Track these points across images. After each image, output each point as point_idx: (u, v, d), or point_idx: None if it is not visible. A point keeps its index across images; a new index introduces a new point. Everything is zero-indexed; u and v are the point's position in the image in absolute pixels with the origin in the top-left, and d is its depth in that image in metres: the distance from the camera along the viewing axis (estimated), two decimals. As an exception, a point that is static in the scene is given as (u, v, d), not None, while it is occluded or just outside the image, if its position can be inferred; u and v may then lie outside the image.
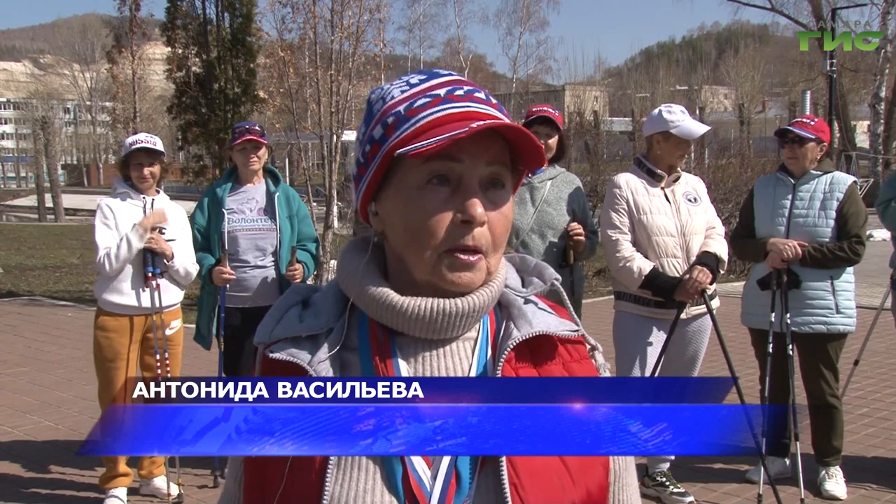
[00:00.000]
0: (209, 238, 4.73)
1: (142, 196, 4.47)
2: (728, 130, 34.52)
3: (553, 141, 4.35)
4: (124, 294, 4.38)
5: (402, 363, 1.05)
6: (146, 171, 4.43)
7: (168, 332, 4.53)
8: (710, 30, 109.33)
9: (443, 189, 1.02)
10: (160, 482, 4.62)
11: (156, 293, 4.41)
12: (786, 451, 4.76)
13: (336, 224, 12.41)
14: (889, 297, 5.01)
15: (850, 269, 4.52)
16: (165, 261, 4.44)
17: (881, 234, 6.23)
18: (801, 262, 4.39)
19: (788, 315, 4.43)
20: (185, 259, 4.53)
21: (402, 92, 1.06)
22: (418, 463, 1.01)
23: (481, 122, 0.98)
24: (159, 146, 4.49)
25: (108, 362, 4.39)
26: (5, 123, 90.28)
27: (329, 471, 1.01)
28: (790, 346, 4.49)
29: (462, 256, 1.02)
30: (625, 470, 1.14)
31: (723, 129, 32.16)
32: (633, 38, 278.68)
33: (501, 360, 1.04)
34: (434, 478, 1.00)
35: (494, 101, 1.07)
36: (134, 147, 4.41)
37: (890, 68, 26.40)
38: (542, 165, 1.03)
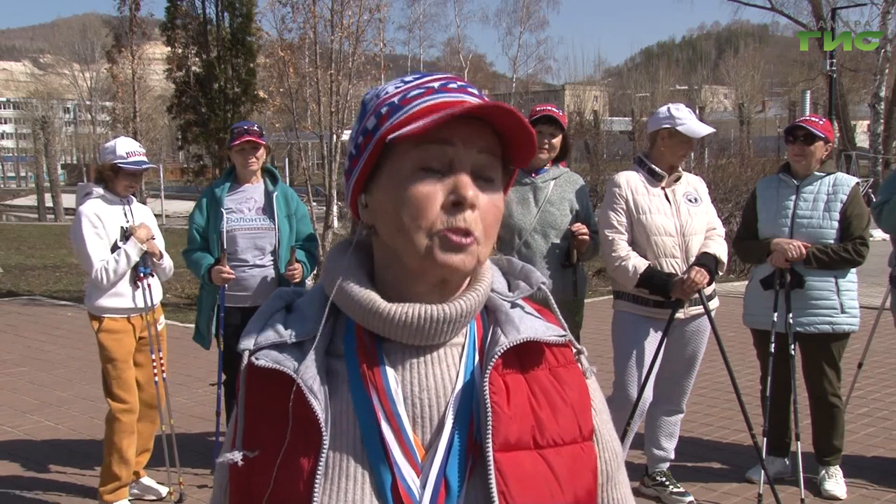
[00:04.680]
0: (208, 238, 4.73)
1: (119, 199, 4.44)
2: (728, 130, 34.51)
3: (557, 140, 4.35)
4: (123, 296, 4.38)
5: (389, 370, 1.04)
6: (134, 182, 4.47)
7: (158, 326, 4.57)
8: (710, 30, 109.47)
9: (434, 173, 1.01)
10: (147, 481, 4.64)
11: (147, 292, 4.43)
12: (786, 450, 4.76)
13: (336, 224, 12.40)
14: (889, 296, 5.01)
15: (853, 269, 4.52)
16: (154, 260, 4.45)
17: (880, 233, 6.20)
18: (806, 263, 4.39)
19: (791, 315, 4.43)
20: (166, 256, 4.60)
21: (396, 87, 1.06)
22: (407, 471, 1.00)
23: (476, 102, 0.99)
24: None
25: (120, 362, 4.37)
26: (5, 123, 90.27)
27: (317, 480, 0.99)
28: (792, 346, 4.49)
29: (454, 237, 1.00)
30: (616, 470, 1.14)
31: (723, 129, 32.13)
32: (633, 37, 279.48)
33: (489, 367, 1.03)
34: (423, 486, 0.99)
35: (486, 99, 1.06)
36: (140, 165, 4.39)
37: (890, 68, 26.36)
38: (534, 154, 1.01)
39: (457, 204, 1.00)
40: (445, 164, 1.01)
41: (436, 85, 1.04)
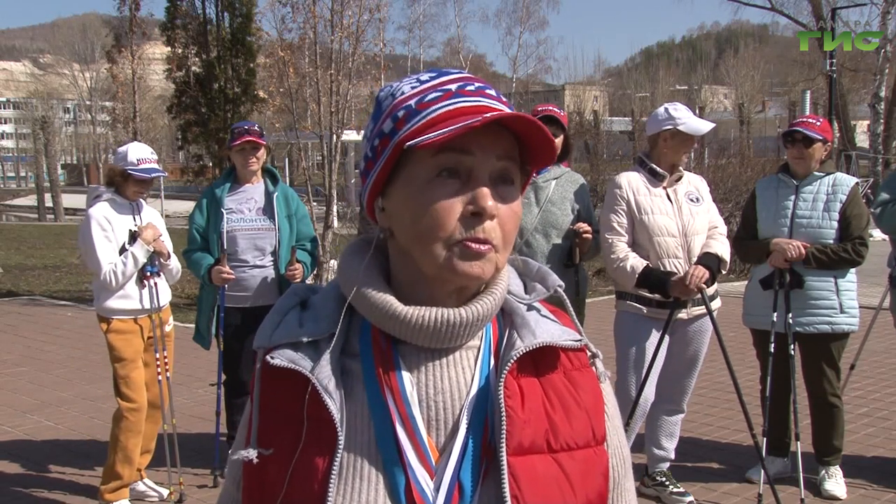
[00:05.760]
0: (208, 238, 4.73)
1: (129, 203, 4.45)
2: (728, 130, 34.53)
3: (558, 140, 4.35)
4: (131, 298, 4.39)
5: (404, 373, 1.04)
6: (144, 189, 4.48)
7: (167, 328, 4.58)
8: (710, 30, 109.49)
9: (452, 182, 1.00)
10: (148, 483, 4.64)
11: (154, 291, 4.43)
12: (785, 450, 4.76)
13: (336, 224, 12.40)
14: (888, 296, 5.01)
15: (852, 269, 4.52)
16: (161, 260, 4.45)
17: (880, 233, 6.18)
18: (805, 263, 4.39)
19: (790, 315, 4.44)
20: (174, 258, 4.60)
21: (413, 88, 1.05)
22: (421, 473, 1.00)
23: (494, 114, 0.97)
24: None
25: (129, 362, 4.38)
26: (5, 123, 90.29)
27: (332, 480, 0.99)
28: (792, 346, 4.49)
29: (473, 245, 1.00)
30: (624, 476, 1.13)
31: (723, 129, 32.15)
32: (633, 37, 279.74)
33: (504, 371, 1.03)
34: (437, 489, 1.00)
35: (504, 99, 1.06)
36: (150, 173, 4.40)
37: (890, 68, 26.33)
38: (553, 161, 1.01)
39: (476, 214, 1.00)
40: (464, 171, 1.01)
41: (453, 87, 1.03)
